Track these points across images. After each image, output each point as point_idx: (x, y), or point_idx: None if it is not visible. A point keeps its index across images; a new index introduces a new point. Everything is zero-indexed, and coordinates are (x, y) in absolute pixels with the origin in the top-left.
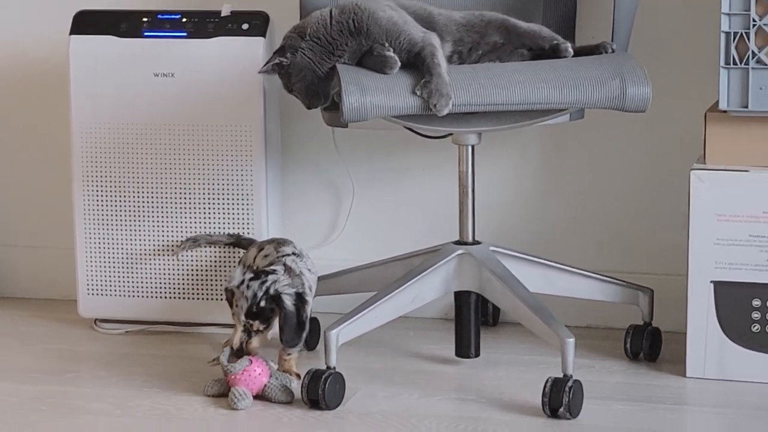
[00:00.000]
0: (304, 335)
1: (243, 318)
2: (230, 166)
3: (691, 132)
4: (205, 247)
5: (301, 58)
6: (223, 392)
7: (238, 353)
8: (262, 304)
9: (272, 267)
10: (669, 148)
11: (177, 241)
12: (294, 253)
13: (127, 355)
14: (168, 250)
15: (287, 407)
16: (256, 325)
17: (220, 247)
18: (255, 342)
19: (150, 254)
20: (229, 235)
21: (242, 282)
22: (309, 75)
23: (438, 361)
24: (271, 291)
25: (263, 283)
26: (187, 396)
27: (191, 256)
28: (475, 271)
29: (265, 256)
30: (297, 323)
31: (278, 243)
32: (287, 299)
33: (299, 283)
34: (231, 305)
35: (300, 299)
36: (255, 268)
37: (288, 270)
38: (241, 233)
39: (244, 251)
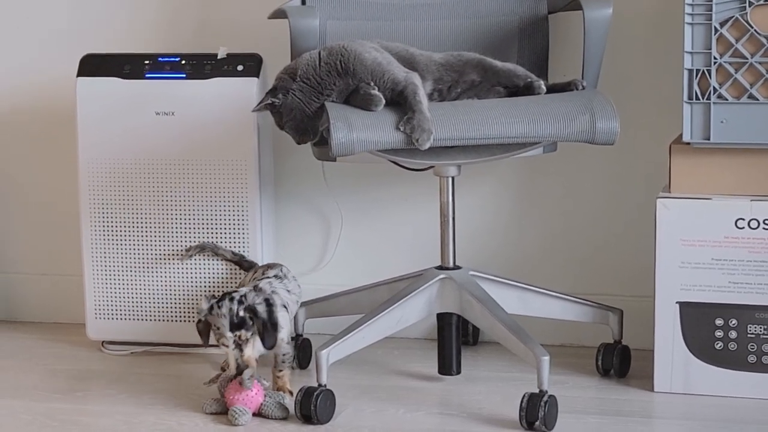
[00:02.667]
0: (278, 335)
1: (228, 334)
2: (227, 197)
3: (656, 163)
4: (210, 255)
5: (291, 99)
6: (220, 410)
7: (239, 371)
8: (241, 313)
9: (237, 290)
10: (636, 178)
11: (177, 267)
12: (276, 276)
13: (133, 375)
14: (175, 257)
15: (282, 422)
16: (243, 334)
17: (222, 260)
18: (248, 352)
19: (153, 280)
20: (233, 252)
21: (211, 307)
22: (299, 114)
23: (422, 378)
24: (245, 303)
25: (232, 299)
26: (188, 412)
27: (192, 281)
28: (456, 294)
29: (254, 277)
30: (271, 326)
31: (267, 267)
32: (260, 308)
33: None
34: (203, 335)
35: (268, 304)
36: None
37: (256, 290)
38: (245, 255)
39: (244, 273)
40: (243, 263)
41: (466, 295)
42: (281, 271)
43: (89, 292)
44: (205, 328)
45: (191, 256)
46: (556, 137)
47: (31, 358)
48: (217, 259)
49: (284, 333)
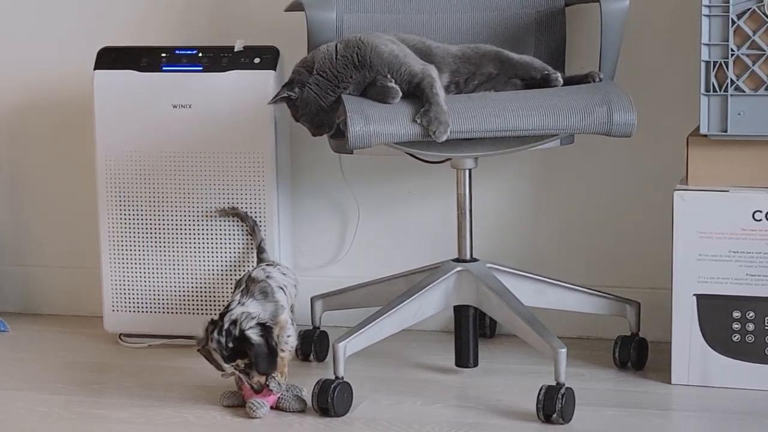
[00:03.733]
0: (277, 360)
1: (226, 366)
2: (244, 190)
3: (673, 155)
4: (243, 228)
5: (307, 93)
6: (238, 403)
7: (257, 392)
8: (231, 345)
9: (231, 310)
10: (653, 170)
11: (194, 260)
12: (269, 264)
13: (150, 367)
14: (210, 214)
15: (299, 415)
16: (240, 363)
17: (249, 239)
18: (255, 375)
19: (170, 273)
20: (261, 243)
21: (207, 337)
22: (314, 108)
23: (439, 371)
24: (234, 333)
25: (221, 328)
26: (205, 405)
27: (209, 274)
28: (473, 286)
29: (249, 273)
30: (268, 353)
31: (260, 260)
32: (252, 334)
33: (264, 287)
34: (210, 361)
35: (265, 329)
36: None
37: (250, 281)
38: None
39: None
40: (259, 257)
41: (483, 287)
42: (273, 261)
43: (107, 284)
44: (207, 354)
45: (226, 216)
46: (573, 129)
47: (49, 351)
48: (246, 238)
49: (286, 314)
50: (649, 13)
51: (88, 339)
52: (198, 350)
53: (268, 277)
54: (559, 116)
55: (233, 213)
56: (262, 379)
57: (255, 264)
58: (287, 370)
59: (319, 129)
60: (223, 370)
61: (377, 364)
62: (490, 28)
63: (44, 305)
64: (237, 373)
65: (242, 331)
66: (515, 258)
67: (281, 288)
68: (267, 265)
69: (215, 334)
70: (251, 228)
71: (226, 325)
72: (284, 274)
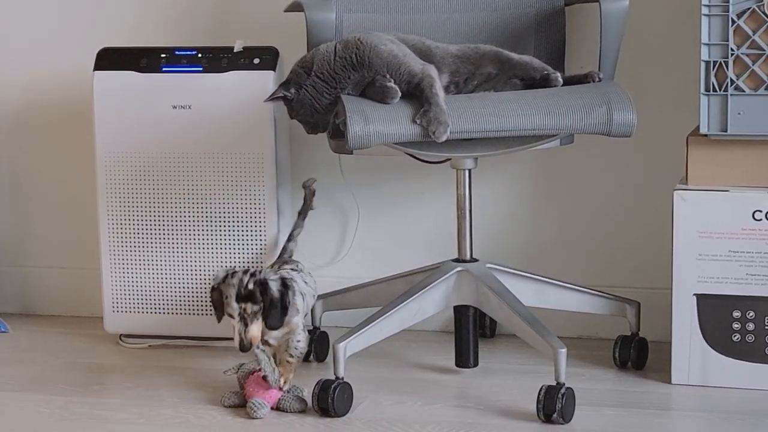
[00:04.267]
0: (285, 318)
1: (234, 305)
2: (244, 190)
3: (673, 154)
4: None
5: (303, 94)
6: (239, 403)
7: (242, 347)
8: (250, 286)
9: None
10: (653, 170)
11: (195, 260)
12: (293, 269)
13: (150, 368)
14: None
15: (300, 415)
16: (249, 307)
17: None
18: (254, 330)
19: (170, 273)
20: (293, 234)
21: (226, 276)
22: (309, 110)
23: (439, 371)
24: (258, 277)
25: (246, 271)
26: (206, 406)
27: (209, 274)
28: (473, 286)
29: (271, 267)
30: (281, 307)
31: (284, 262)
32: (273, 284)
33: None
34: (216, 308)
35: (284, 284)
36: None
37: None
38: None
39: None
40: (285, 246)
41: (483, 287)
42: (297, 266)
43: (107, 285)
44: (218, 298)
45: (304, 188)
46: (573, 129)
47: (49, 352)
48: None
49: (299, 318)
50: (649, 13)
51: (89, 340)
52: (212, 289)
53: (292, 279)
54: (559, 116)
55: (308, 187)
56: (256, 338)
57: (282, 247)
58: (292, 376)
59: (313, 129)
60: (225, 314)
61: (377, 365)
62: (490, 28)
63: (44, 306)
64: (237, 322)
65: (265, 279)
66: (515, 258)
67: (301, 294)
68: (292, 269)
69: (240, 272)
70: (304, 211)
71: (253, 269)
72: (306, 282)
